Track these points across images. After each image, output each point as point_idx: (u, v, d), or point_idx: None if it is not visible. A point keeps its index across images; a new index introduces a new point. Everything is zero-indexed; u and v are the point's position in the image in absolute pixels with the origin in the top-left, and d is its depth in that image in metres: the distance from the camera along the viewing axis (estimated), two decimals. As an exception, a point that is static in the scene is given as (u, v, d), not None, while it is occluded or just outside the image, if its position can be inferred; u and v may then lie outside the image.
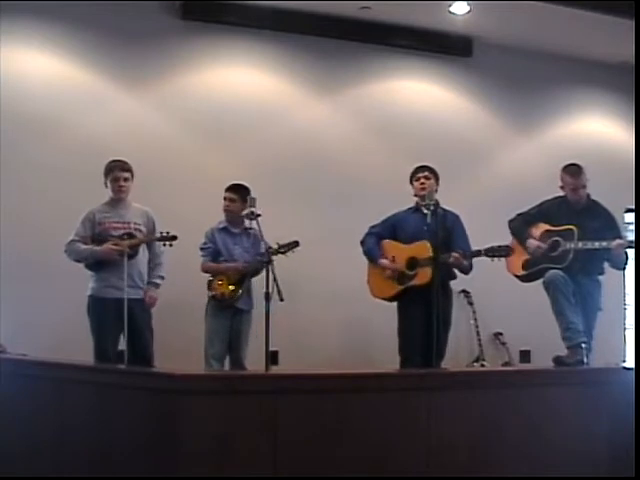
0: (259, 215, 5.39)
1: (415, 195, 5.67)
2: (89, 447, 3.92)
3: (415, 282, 5.43)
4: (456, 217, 5.65)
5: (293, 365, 5.83)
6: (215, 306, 5.85)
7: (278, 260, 5.37)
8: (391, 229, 5.72)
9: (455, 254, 5.33)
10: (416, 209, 5.65)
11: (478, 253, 5.30)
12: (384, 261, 5.63)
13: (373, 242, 5.71)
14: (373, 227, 5.79)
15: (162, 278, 5.57)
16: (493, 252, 5.23)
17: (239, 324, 5.82)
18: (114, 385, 3.98)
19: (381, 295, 5.68)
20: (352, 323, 6.58)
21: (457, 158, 7.36)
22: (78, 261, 5.38)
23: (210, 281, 5.88)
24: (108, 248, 5.25)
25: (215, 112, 6.76)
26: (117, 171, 5.40)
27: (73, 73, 6.40)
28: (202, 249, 5.93)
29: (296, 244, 5.61)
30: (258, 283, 5.64)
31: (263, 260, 5.32)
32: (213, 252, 5.91)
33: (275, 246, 5.56)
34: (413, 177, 5.68)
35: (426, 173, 5.64)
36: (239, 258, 5.85)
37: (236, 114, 6.81)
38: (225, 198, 5.91)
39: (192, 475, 3.57)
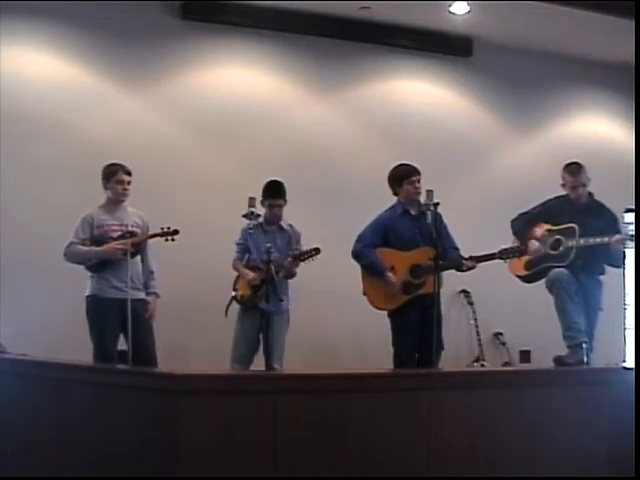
0: (259, 215, 5.39)
1: (407, 198, 5.45)
2: (89, 447, 3.92)
3: (423, 291, 5.26)
4: (440, 216, 5.32)
5: (293, 365, 5.82)
6: (242, 308, 5.72)
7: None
8: (382, 236, 5.44)
9: (469, 262, 5.25)
10: (404, 212, 5.47)
11: (492, 256, 5.17)
12: (391, 276, 5.34)
13: (373, 253, 5.40)
14: (363, 236, 5.49)
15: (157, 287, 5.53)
16: (507, 254, 5.16)
17: (266, 327, 5.48)
18: (114, 385, 3.97)
19: (386, 307, 5.43)
20: (352, 323, 6.56)
21: (457, 158, 7.37)
22: (79, 263, 5.32)
23: (235, 281, 5.77)
24: (112, 247, 5.23)
25: (215, 112, 6.76)
26: (122, 174, 5.36)
27: (73, 73, 6.40)
28: (237, 244, 5.79)
29: (317, 251, 5.44)
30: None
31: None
32: (245, 249, 5.75)
33: (295, 252, 5.48)
34: (405, 179, 5.42)
35: (419, 176, 5.42)
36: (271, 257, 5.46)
37: (236, 114, 6.81)
38: (271, 205, 5.66)
39: (192, 475, 3.57)
